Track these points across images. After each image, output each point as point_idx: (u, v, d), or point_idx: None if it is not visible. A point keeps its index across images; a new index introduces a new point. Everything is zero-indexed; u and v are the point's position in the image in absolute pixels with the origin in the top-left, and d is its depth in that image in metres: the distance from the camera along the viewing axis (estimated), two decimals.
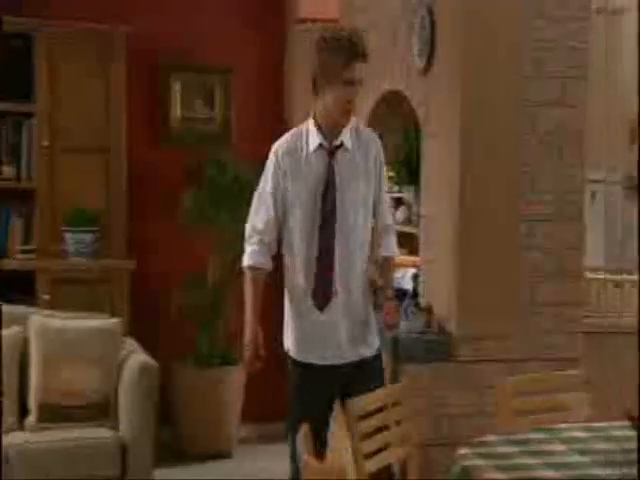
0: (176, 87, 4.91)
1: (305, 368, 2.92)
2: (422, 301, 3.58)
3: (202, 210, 4.69)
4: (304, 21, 4.85)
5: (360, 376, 2.90)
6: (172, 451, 4.58)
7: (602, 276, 3.67)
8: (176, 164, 4.80)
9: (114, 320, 3.89)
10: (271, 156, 2.91)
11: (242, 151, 4.95)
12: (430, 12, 3.58)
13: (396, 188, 4.17)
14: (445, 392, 3.32)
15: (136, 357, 3.76)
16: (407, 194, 4.02)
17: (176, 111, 4.92)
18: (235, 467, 4.54)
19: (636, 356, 3.48)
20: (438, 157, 3.52)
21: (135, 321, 4.46)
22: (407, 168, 4.00)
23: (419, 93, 3.73)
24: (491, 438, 2.46)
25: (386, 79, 4.06)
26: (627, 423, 2.34)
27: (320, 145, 2.85)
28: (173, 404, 4.66)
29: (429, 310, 3.41)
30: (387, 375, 3.21)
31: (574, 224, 3.48)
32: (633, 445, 2.30)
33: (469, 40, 3.34)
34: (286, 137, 2.93)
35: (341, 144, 2.86)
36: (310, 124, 2.88)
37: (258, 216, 2.91)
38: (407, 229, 3.99)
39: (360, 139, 2.89)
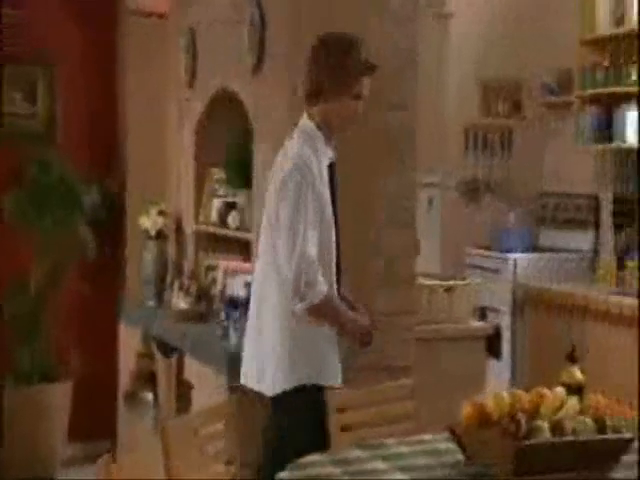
0: None
1: (313, 395, 2.63)
2: None
3: (23, 212, 4.40)
4: (136, 13, 4.61)
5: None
6: None
7: (433, 282, 3.65)
8: None
9: None
10: (296, 167, 2.60)
11: (69, 150, 4.65)
12: (259, 7, 3.43)
13: (229, 191, 3.99)
14: None
15: None
16: (240, 198, 3.85)
17: None
18: None
19: (456, 362, 3.51)
20: (269, 159, 3.37)
21: None
22: (239, 171, 3.83)
23: (250, 92, 3.57)
24: (314, 458, 2.33)
25: (218, 78, 3.88)
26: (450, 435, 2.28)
27: (329, 159, 2.70)
28: None
29: None
30: (224, 392, 3.02)
31: (407, 230, 3.42)
32: (453, 458, 2.24)
33: (299, 37, 3.21)
34: (302, 147, 2.65)
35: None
36: (314, 130, 2.67)
37: (310, 241, 2.58)
38: (241, 235, 3.81)
39: None
